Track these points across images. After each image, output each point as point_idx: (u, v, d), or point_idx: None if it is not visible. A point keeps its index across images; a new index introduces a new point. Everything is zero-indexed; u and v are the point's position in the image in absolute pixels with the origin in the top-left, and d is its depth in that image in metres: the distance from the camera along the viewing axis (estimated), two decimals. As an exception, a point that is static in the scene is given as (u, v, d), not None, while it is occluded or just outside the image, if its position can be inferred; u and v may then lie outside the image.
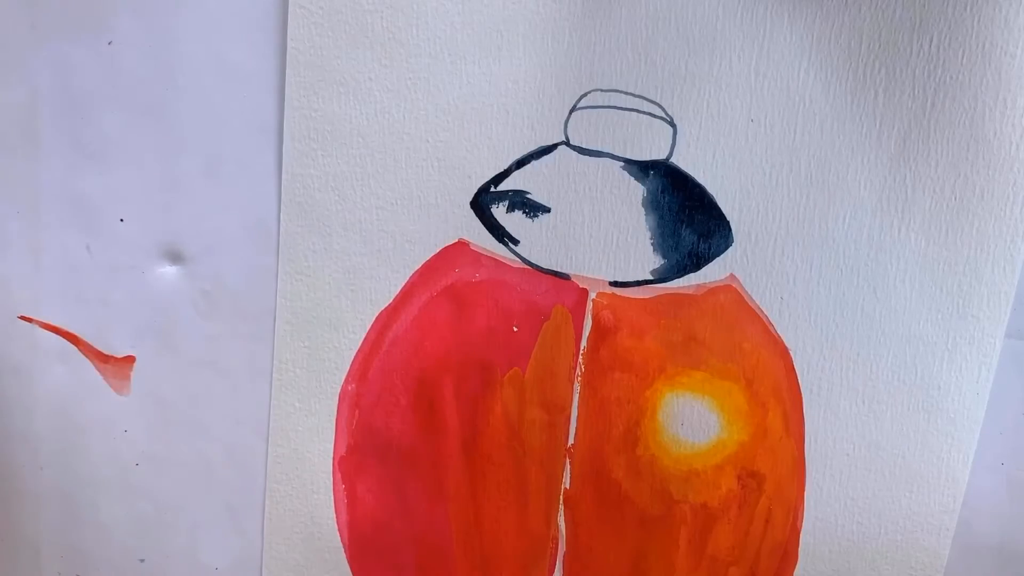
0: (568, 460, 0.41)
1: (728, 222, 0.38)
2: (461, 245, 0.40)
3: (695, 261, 0.38)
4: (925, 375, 0.38)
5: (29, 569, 0.46)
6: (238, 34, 0.39)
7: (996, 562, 0.40)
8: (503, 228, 0.39)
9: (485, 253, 0.40)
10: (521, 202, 0.39)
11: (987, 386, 0.38)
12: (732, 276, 0.38)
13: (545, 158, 0.38)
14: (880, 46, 0.35)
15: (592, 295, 0.39)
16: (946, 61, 0.35)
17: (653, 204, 0.38)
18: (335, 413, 0.42)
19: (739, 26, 0.36)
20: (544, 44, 0.37)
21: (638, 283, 0.39)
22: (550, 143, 0.38)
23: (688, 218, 0.38)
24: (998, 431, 0.38)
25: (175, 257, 0.42)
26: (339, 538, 0.43)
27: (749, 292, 0.38)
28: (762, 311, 0.38)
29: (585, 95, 0.37)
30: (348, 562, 0.44)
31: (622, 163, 0.38)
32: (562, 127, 0.38)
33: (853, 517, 0.40)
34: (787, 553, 0.40)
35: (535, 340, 0.40)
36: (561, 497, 0.41)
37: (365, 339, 0.41)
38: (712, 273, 0.38)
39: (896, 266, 0.37)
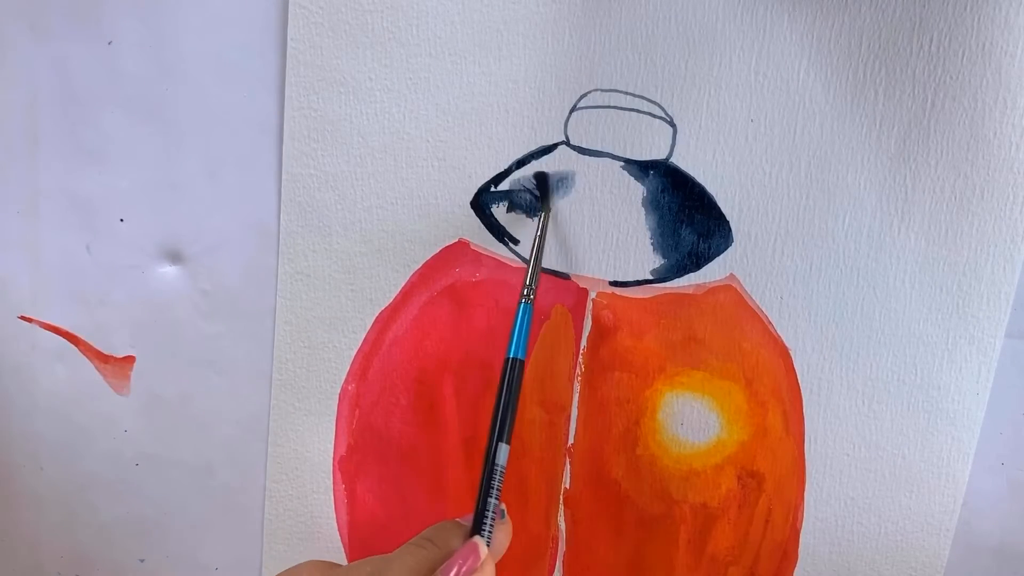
0: (568, 460, 0.41)
1: (728, 222, 0.38)
2: (461, 245, 0.40)
3: (695, 261, 0.38)
4: (925, 375, 0.38)
5: (29, 569, 0.46)
6: (238, 34, 0.39)
7: (996, 562, 0.40)
8: (503, 228, 0.39)
9: (485, 253, 0.40)
10: (521, 202, 0.39)
11: (987, 386, 0.38)
12: (732, 276, 0.38)
13: (545, 158, 0.38)
14: (880, 46, 0.35)
15: (592, 295, 0.39)
16: (946, 61, 0.35)
17: (653, 204, 0.38)
18: (335, 413, 0.42)
19: (739, 26, 0.36)
20: (544, 44, 0.37)
21: (638, 283, 0.39)
22: (550, 143, 0.38)
23: (688, 218, 0.38)
24: (998, 431, 0.38)
25: (175, 257, 0.42)
26: (339, 538, 0.43)
27: (749, 292, 0.38)
28: (762, 311, 0.38)
29: (585, 95, 0.37)
30: (348, 562, 0.44)
31: (622, 163, 0.38)
32: (562, 127, 0.38)
33: (853, 517, 0.40)
34: (787, 553, 0.40)
35: (535, 340, 0.40)
36: (561, 497, 0.41)
37: (365, 339, 0.41)
38: (712, 273, 0.38)
39: (896, 266, 0.37)
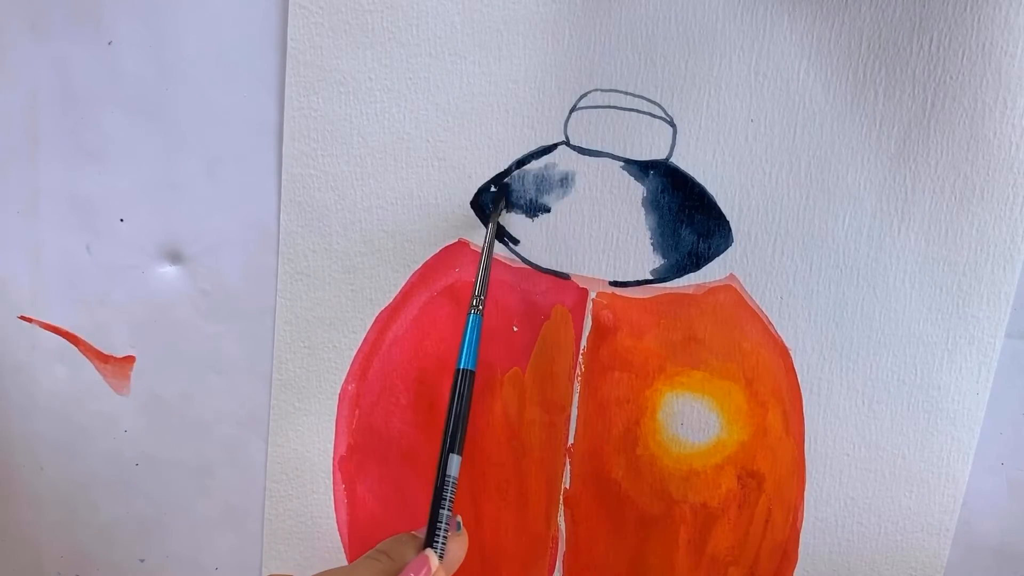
0: (568, 460, 0.41)
1: (728, 222, 0.38)
2: (461, 245, 0.40)
3: (695, 261, 0.38)
4: (925, 375, 0.38)
5: (29, 569, 0.46)
6: (238, 34, 0.39)
7: (996, 562, 0.40)
8: (503, 228, 0.39)
9: (485, 253, 0.40)
10: (521, 202, 0.39)
11: (987, 386, 0.38)
12: (732, 276, 0.38)
13: (545, 158, 0.38)
14: (880, 46, 0.35)
15: (592, 295, 0.39)
16: (946, 61, 0.35)
17: (653, 204, 0.38)
18: (335, 413, 0.42)
19: (739, 26, 0.36)
20: (544, 44, 0.37)
21: (638, 283, 0.39)
22: (550, 143, 0.38)
23: (688, 218, 0.38)
24: (998, 431, 0.38)
25: (175, 257, 0.42)
26: (339, 538, 0.43)
27: (749, 292, 0.38)
28: (762, 311, 0.38)
29: (585, 95, 0.37)
30: (348, 562, 0.44)
31: (622, 163, 0.38)
32: (562, 127, 0.38)
33: (853, 517, 0.40)
34: (787, 553, 0.40)
35: (535, 340, 0.40)
36: (561, 497, 0.41)
37: (365, 339, 0.41)
38: (712, 273, 0.38)
39: (896, 266, 0.37)
